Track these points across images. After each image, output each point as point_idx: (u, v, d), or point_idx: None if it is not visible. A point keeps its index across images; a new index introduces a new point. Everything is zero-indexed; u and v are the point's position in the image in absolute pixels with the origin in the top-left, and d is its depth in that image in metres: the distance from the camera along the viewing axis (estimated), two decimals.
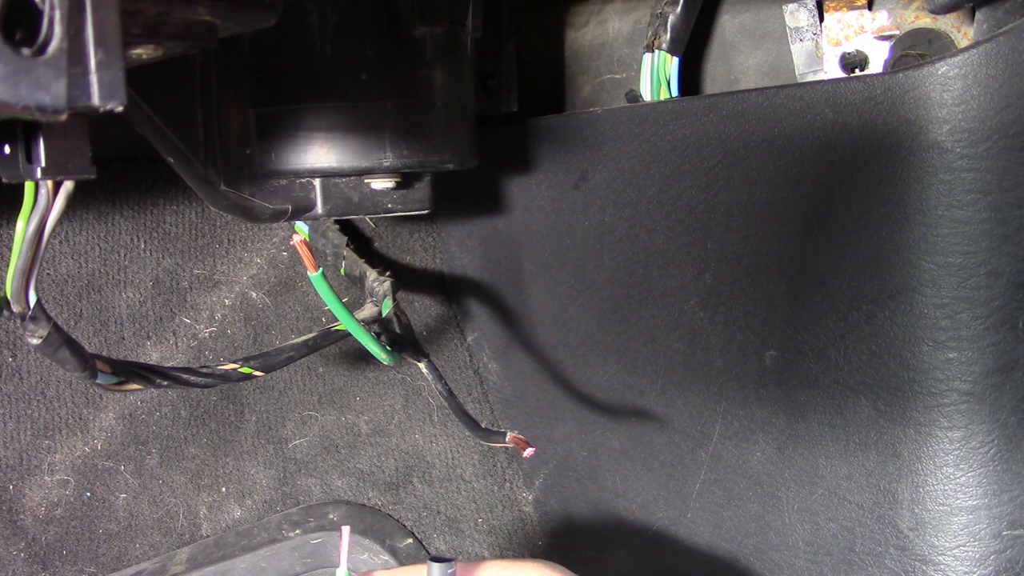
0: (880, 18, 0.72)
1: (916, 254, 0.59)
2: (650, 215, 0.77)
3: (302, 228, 0.89)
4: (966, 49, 0.56)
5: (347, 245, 0.87)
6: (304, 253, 0.59)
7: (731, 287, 0.71)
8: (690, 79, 0.84)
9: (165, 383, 0.59)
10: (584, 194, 0.83)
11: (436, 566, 0.52)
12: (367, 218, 0.97)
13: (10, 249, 0.77)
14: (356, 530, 0.93)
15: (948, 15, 0.68)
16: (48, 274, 0.81)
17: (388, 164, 0.70)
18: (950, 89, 0.56)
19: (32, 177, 0.38)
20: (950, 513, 0.60)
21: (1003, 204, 0.56)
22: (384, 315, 0.74)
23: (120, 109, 0.34)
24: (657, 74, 0.79)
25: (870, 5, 0.73)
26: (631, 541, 0.85)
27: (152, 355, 0.87)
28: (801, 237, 0.65)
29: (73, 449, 0.83)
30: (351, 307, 0.69)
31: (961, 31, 0.68)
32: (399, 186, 0.75)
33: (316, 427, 0.93)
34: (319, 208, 0.74)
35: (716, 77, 0.84)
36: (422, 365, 0.73)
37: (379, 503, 0.95)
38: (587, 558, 0.91)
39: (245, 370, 0.64)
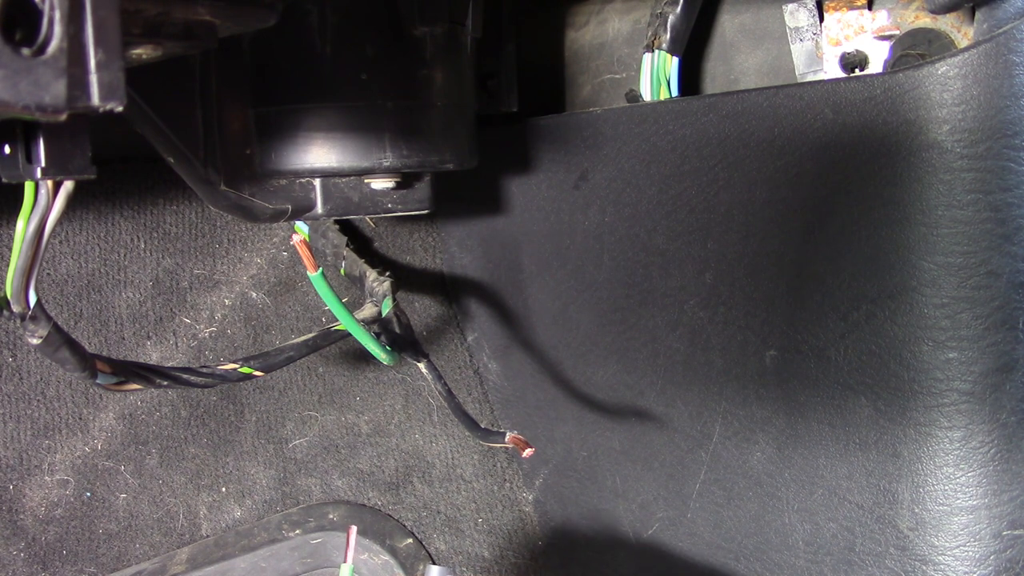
0: (880, 18, 0.72)
1: (916, 254, 0.59)
2: (650, 215, 0.77)
3: (302, 228, 0.89)
4: (966, 49, 0.56)
5: (347, 245, 0.87)
6: (304, 253, 0.59)
7: (731, 287, 0.71)
8: (690, 79, 0.84)
9: (165, 383, 0.59)
10: (584, 194, 0.83)
11: None
12: (367, 218, 0.97)
13: (10, 249, 0.77)
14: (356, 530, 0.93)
15: (948, 15, 0.68)
16: (48, 274, 0.81)
17: (388, 164, 0.70)
18: (950, 89, 0.56)
19: (32, 177, 0.38)
20: (950, 513, 0.60)
21: (1003, 204, 0.56)
22: (384, 315, 0.74)
23: (120, 109, 0.34)
24: (657, 74, 0.79)
25: (870, 5, 0.73)
26: (631, 541, 0.85)
27: (152, 355, 0.87)
28: (801, 237, 0.65)
29: (73, 449, 0.83)
30: (351, 307, 0.69)
31: (961, 31, 0.67)
32: (399, 186, 0.75)
33: (316, 427, 0.93)
34: (319, 208, 0.74)
35: (716, 77, 0.84)
36: (422, 365, 0.73)
37: (379, 503, 0.95)
38: (587, 558, 0.91)
39: (245, 370, 0.64)
